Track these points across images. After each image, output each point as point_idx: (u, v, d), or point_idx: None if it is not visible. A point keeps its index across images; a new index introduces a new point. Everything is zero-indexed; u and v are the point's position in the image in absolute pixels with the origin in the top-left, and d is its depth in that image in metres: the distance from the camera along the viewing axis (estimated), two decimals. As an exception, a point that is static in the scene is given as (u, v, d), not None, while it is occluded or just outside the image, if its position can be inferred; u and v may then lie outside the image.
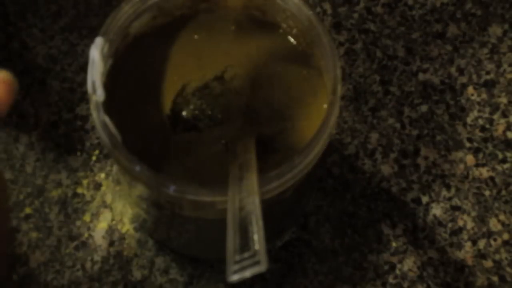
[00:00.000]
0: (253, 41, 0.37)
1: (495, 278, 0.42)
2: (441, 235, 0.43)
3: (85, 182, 0.43)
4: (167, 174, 0.33)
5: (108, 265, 0.41)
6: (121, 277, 0.41)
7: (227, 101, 0.35)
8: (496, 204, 0.44)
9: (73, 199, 0.43)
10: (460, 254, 0.42)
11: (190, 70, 0.36)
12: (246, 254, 0.26)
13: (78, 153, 0.44)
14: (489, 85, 0.47)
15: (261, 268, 0.26)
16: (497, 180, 0.44)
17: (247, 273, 0.26)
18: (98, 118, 0.32)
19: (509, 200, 0.44)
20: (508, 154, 0.45)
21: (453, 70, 0.47)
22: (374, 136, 0.45)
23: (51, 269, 0.41)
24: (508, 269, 0.42)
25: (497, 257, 0.42)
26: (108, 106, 0.32)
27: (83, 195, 0.43)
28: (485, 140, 0.46)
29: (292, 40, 0.37)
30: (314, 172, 0.34)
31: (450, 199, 0.44)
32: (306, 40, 0.36)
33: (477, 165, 0.45)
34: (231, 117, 0.35)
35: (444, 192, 0.44)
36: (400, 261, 0.42)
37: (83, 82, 0.46)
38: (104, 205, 0.43)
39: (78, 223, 0.42)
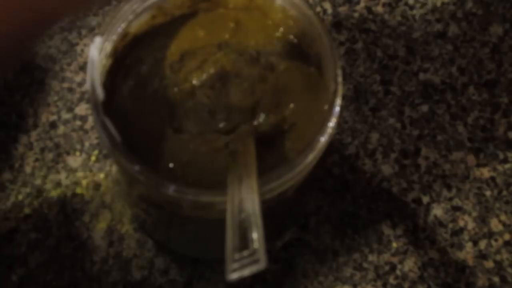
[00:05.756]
0: (253, 41, 0.37)
1: (496, 279, 0.42)
2: (442, 236, 0.43)
3: (84, 182, 0.43)
4: (166, 174, 0.33)
5: (107, 265, 0.41)
6: (121, 278, 0.41)
7: (228, 101, 0.35)
8: (497, 205, 0.44)
9: (72, 199, 0.43)
10: (461, 255, 0.42)
11: (190, 69, 0.36)
12: (245, 253, 0.26)
13: (78, 153, 0.44)
14: (490, 85, 0.47)
15: (260, 266, 0.26)
16: (498, 180, 0.44)
17: (246, 271, 0.26)
18: (98, 118, 0.31)
19: (510, 200, 0.44)
20: (509, 154, 0.45)
21: (454, 69, 0.47)
22: (374, 136, 0.45)
23: (50, 270, 0.41)
24: (509, 269, 0.42)
25: (498, 257, 0.42)
26: (108, 106, 0.32)
27: (83, 195, 0.43)
28: (486, 140, 0.45)
29: (292, 40, 0.37)
30: (314, 172, 0.34)
31: (451, 199, 0.44)
32: (306, 40, 0.36)
33: (478, 165, 0.45)
34: (232, 117, 0.35)
35: (445, 192, 0.44)
36: (401, 262, 0.42)
37: (82, 82, 0.46)
38: (104, 205, 0.43)
39: (77, 223, 0.42)
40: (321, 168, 0.44)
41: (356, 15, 0.49)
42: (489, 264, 0.42)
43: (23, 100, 0.45)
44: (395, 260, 0.42)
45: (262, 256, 0.26)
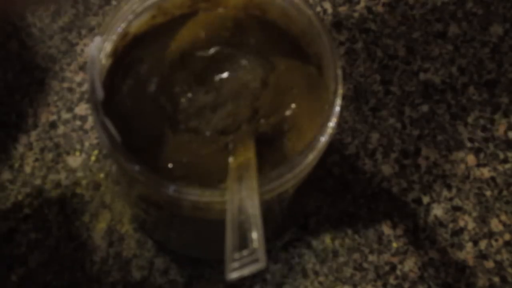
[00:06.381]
0: (253, 40, 0.37)
1: (496, 279, 0.42)
2: (442, 236, 0.43)
3: (84, 182, 0.43)
4: (166, 174, 0.33)
5: (107, 265, 0.41)
6: (121, 278, 0.41)
7: (228, 101, 0.35)
8: (497, 205, 0.44)
9: (72, 199, 0.43)
10: (461, 255, 0.42)
11: (190, 69, 0.36)
12: (245, 252, 0.26)
13: (77, 153, 0.44)
14: (490, 84, 0.47)
15: (260, 265, 0.26)
16: (498, 180, 0.44)
17: (246, 271, 0.26)
18: (98, 118, 0.31)
19: (511, 200, 0.44)
20: (509, 154, 0.45)
21: (454, 69, 0.47)
22: (374, 136, 0.45)
23: (50, 270, 0.41)
24: (509, 269, 0.42)
25: (498, 257, 0.42)
26: (108, 106, 0.32)
27: (82, 195, 0.43)
28: (486, 140, 0.45)
29: (292, 40, 0.37)
30: (314, 172, 0.34)
31: (451, 199, 0.44)
32: (306, 39, 0.36)
33: (478, 165, 0.45)
34: (232, 117, 0.35)
35: (445, 193, 0.44)
36: (401, 262, 0.42)
37: (82, 82, 0.46)
38: (103, 205, 0.43)
39: (77, 223, 0.42)
40: (321, 168, 0.44)
41: (356, 15, 0.49)
42: (490, 264, 0.42)
43: (23, 100, 0.45)
44: (395, 260, 0.42)
45: (261, 256, 0.26)
